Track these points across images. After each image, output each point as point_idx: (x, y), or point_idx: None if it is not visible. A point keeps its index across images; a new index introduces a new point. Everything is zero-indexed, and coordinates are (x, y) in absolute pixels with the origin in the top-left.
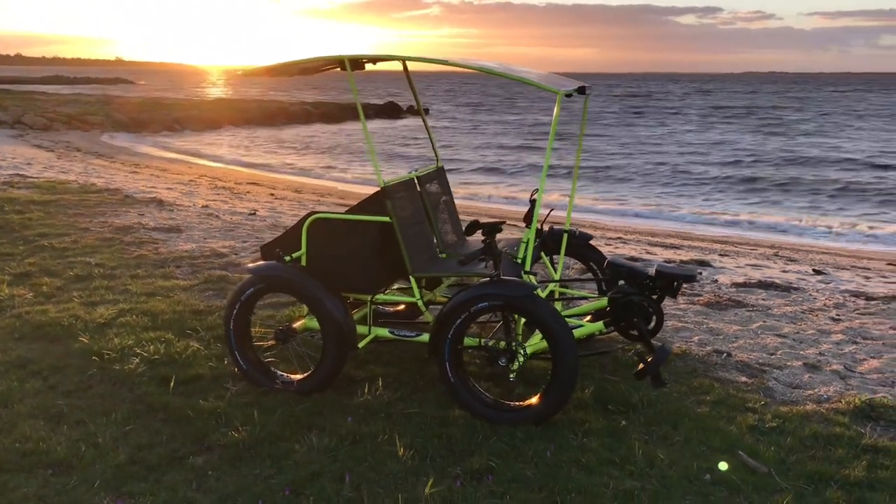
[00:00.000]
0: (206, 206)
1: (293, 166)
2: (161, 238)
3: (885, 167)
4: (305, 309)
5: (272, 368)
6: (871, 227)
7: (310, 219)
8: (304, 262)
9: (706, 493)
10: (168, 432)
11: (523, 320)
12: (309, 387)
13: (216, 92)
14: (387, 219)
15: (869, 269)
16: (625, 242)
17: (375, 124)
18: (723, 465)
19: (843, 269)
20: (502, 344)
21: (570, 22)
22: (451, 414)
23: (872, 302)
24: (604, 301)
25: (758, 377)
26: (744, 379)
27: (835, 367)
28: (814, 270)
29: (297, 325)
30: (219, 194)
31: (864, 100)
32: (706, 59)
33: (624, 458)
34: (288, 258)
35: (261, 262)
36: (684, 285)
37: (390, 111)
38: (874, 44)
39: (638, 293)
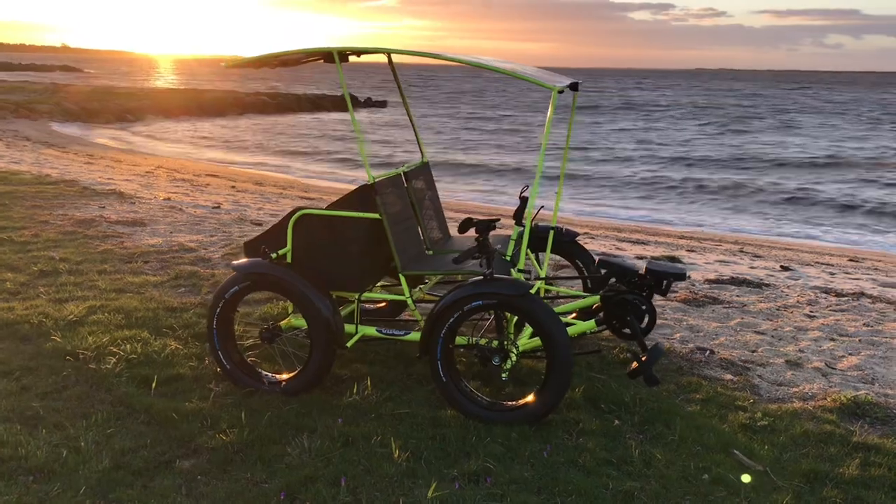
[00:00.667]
0: (168, 199)
1: (252, 159)
2: (125, 232)
3: (835, 165)
4: (287, 306)
5: (257, 368)
6: (822, 224)
7: (296, 215)
8: (289, 259)
9: (706, 492)
10: (152, 435)
11: (515, 318)
12: (296, 387)
13: (169, 81)
14: (376, 215)
15: (832, 264)
16: (593, 238)
17: (334, 115)
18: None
19: (807, 265)
20: (494, 343)
21: (529, 16)
22: (443, 414)
23: (843, 298)
24: (591, 298)
25: (742, 375)
26: (729, 377)
27: (816, 364)
28: (781, 267)
29: (282, 323)
30: (179, 186)
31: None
32: (660, 55)
33: (621, 458)
34: (274, 255)
35: (246, 260)
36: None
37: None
38: (820, 42)
39: (631, 292)
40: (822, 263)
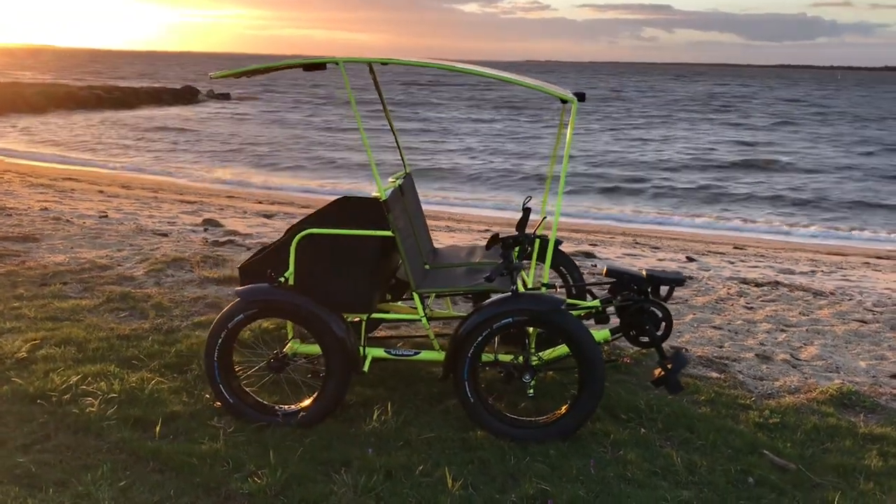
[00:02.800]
0: (46, 209)
1: (99, 158)
2: (19, 249)
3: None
4: (286, 330)
5: (265, 401)
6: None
7: (299, 235)
8: (292, 282)
9: (756, 496)
10: (173, 485)
11: (536, 332)
12: (314, 418)
13: None
14: (387, 233)
15: (724, 253)
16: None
17: (174, 110)
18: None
19: (704, 254)
20: (520, 358)
21: (360, 6)
22: (472, 436)
23: (764, 288)
24: (592, 303)
25: (726, 372)
26: (715, 375)
27: (782, 356)
28: (687, 258)
29: (286, 349)
30: (44, 193)
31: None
32: (491, 48)
33: (664, 467)
34: (282, 279)
35: (250, 286)
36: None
37: (189, 96)
38: (638, 35)
39: (648, 300)
40: (716, 252)
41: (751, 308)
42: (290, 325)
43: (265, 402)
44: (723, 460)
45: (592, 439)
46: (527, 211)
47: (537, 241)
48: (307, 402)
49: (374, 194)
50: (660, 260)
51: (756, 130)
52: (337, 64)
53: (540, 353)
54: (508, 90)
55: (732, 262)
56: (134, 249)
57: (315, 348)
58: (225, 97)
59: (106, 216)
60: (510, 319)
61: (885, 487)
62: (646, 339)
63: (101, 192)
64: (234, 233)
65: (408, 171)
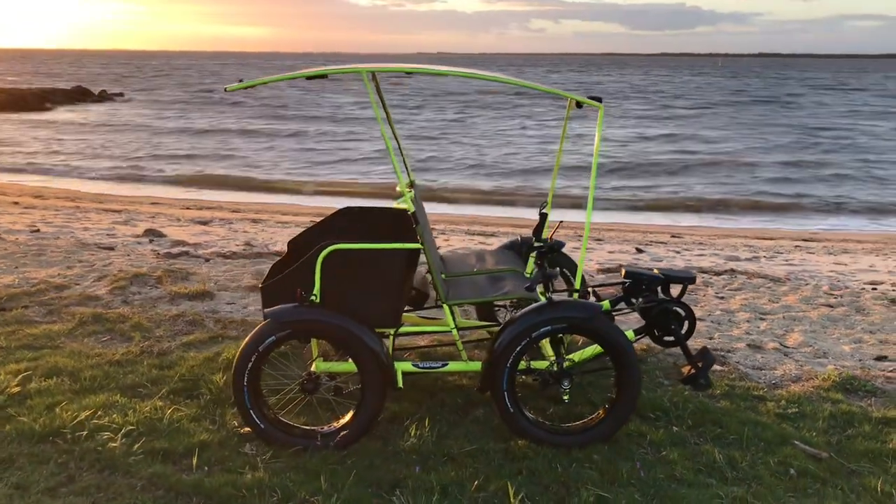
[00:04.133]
0: None
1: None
2: None
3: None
4: (299, 350)
5: (296, 424)
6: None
7: (325, 251)
8: (318, 300)
9: (802, 487)
10: None
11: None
12: (352, 437)
13: None
14: (416, 245)
15: (665, 242)
16: (441, 232)
17: (64, 115)
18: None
19: (649, 245)
20: (550, 365)
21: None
22: (513, 446)
23: (723, 276)
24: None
25: (727, 364)
26: (718, 367)
27: (771, 345)
28: (636, 249)
29: (312, 369)
30: None
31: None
32: (383, 40)
33: (708, 465)
34: (313, 297)
35: (281, 307)
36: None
37: (80, 96)
38: (526, 27)
39: (671, 300)
40: (658, 242)
41: (722, 298)
42: (314, 343)
43: (299, 426)
44: (759, 454)
45: (630, 441)
46: (543, 216)
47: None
48: (343, 421)
49: (398, 204)
50: (610, 252)
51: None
52: (364, 73)
53: (571, 356)
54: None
55: (679, 252)
56: (85, 266)
57: (344, 366)
58: (119, 97)
59: (38, 230)
60: (549, 328)
61: None
62: (670, 339)
63: (16, 203)
64: (183, 243)
65: (412, 178)
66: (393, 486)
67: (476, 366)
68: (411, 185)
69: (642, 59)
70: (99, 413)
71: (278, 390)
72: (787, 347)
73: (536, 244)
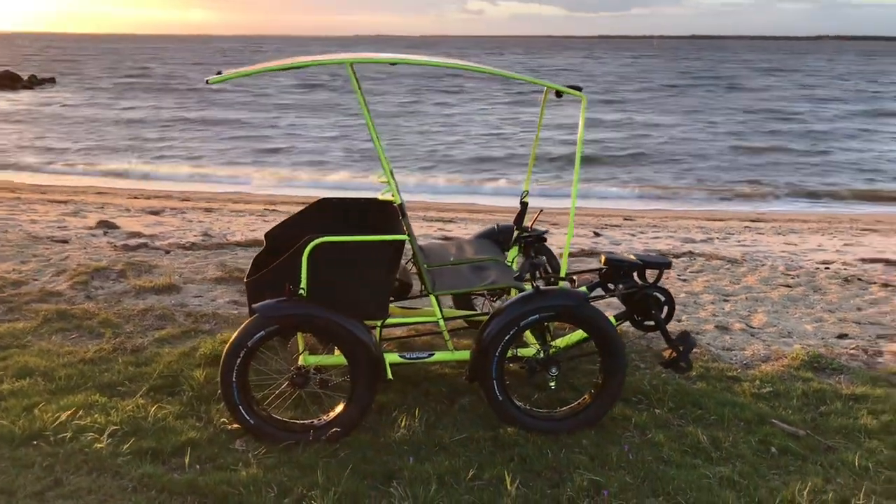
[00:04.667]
0: None
1: None
2: None
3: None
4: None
5: (286, 419)
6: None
7: (311, 244)
8: (305, 294)
9: (784, 464)
10: None
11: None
12: (344, 431)
13: None
14: (402, 237)
15: (620, 225)
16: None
17: None
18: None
19: (604, 228)
20: (537, 352)
21: None
22: (502, 433)
23: (683, 259)
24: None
25: (698, 346)
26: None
27: (738, 326)
28: (594, 233)
29: (300, 363)
30: None
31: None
32: (315, 23)
33: (693, 446)
34: (301, 292)
35: (269, 301)
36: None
37: (9, 82)
38: (464, 9)
39: (652, 286)
40: (613, 225)
41: (685, 280)
42: (300, 337)
43: (290, 420)
44: (741, 433)
45: (615, 425)
46: (524, 205)
47: (517, 231)
48: (334, 414)
49: (382, 195)
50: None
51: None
52: (345, 65)
53: (555, 343)
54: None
55: (634, 235)
56: (41, 260)
57: (333, 359)
58: (50, 82)
59: None
60: (537, 316)
61: (887, 444)
62: (650, 324)
63: None
64: (138, 234)
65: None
66: (388, 477)
67: (462, 355)
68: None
69: (581, 41)
70: (80, 413)
71: (265, 385)
72: (753, 328)
73: (525, 235)
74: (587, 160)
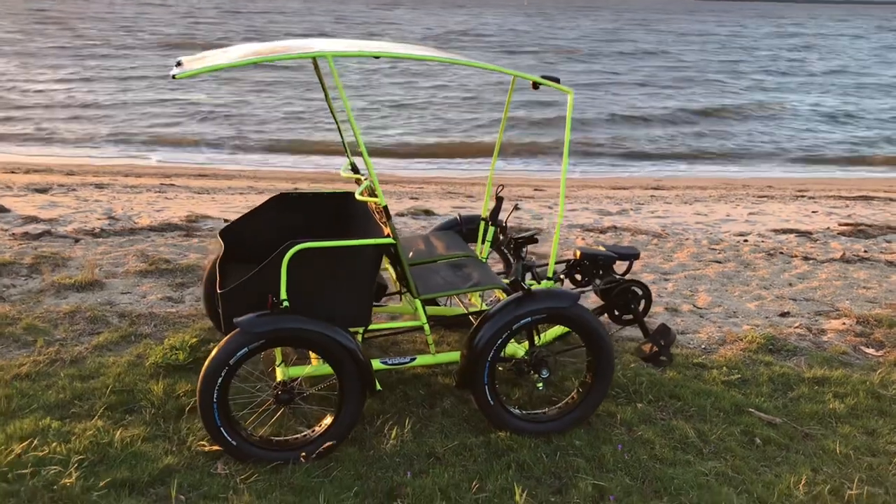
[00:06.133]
0: None
1: None
2: None
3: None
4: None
5: (271, 437)
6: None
7: (291, 251)
8: (288, 305)
9: (770, 455)
10: None
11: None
12: (332, 447)
13: None
14: (388, 240)
15: (532, 197)
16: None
17: None
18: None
19: (517, 199)
20: (526, 353)
21: None
22: (493, 438)
23: (609, 234)
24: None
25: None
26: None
27: (685, 307)
28: (514, 206)
29: (279, 376)
30: None
31: None
32: None
33: (681, 440)
34: (286, 303)
35: (252, 315)
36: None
37: None
38: None
39: (630, 280)
40: (525, 197)
41: None
42: (278, 350)
43: (274, 438)
44: (723, 425)
45: (601, 422)
46: (500, 200)
47: (482, 222)
48: (321, 430)
49: (359, 195)
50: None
51: None
52: (322, 59)
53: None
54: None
55: (550, 207)
56: None
57: (316, 370)
58: None
59: None
60: (529, 319)
61: (859, 428)
62: (629, 318)
63: None
64: (35, 219)
65: (352, 161)
66: (389, 494)
67: (444, 358)
68: (354, 168)
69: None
70: (34, 443)
71: (245, 402)
72: (701, 309)
73: (517, 237)
74: (485, 124)
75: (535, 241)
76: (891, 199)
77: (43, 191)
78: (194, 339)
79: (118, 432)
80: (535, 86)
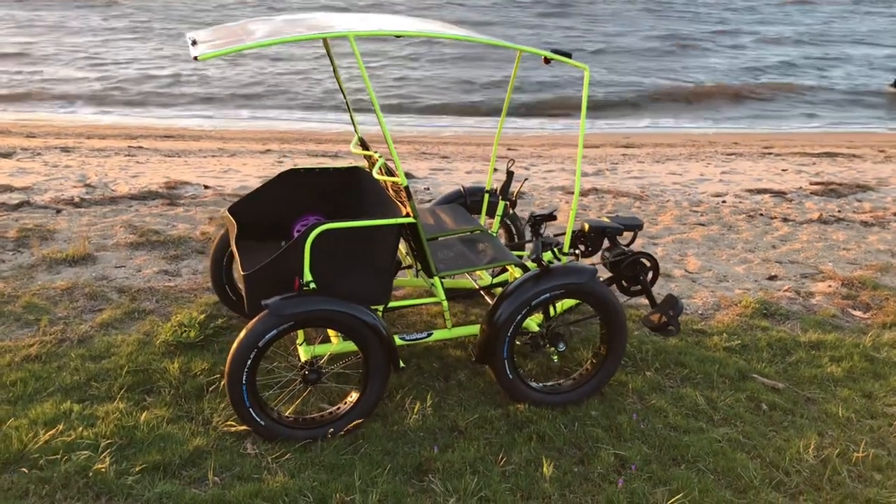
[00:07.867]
0: None
1: None
2: None
3: None
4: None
5: (300, 416)
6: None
7: (314, 232)
8: (315, 287)
9: (777, 420)
10: None
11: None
12: (360, 424)
13: None
14: (408, 219)
15: (504, 157)
16: (284, 155)
17: None
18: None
19: (486, 160)
20: (541, 327)
21: None
22: (511, 410)
23: (591, 197)
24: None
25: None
26: (645, 301)
27: (677, 272)
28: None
29: (303, 356)
30: None
31: None
32: None
33: (692, 408)
34: (313, 285)
35: (281, 297)
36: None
37: None
38: None
39: (639, 252)
40: (499, 157)
41: None
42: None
43: (303, 417)
44: (730, 391)
45: (614, 392)
46: (510, 174)
47: (486, 195)
48: (347, 407)
49: (376, 174)
50: (467, 173)
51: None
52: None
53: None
54: None
55: (528, 169)
56: None
57: (340, 347)
58: None
59: None
60: (548, 295)
61: (856, 391)
62: (637, 288)
63: None
64: (10, 187)
65: (360, 136)
66: (419, 470)
67: (460, 332)
68: (364, 145)
69: None
70: (60, 428)
71: (268, 384)
72: (692, 273)
73: (536, 215)
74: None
75: (554, 217)
76: (854, 156)
77: (7, 155)
78: (202, 316)
79: (142, 415)
80: (547, 61)
